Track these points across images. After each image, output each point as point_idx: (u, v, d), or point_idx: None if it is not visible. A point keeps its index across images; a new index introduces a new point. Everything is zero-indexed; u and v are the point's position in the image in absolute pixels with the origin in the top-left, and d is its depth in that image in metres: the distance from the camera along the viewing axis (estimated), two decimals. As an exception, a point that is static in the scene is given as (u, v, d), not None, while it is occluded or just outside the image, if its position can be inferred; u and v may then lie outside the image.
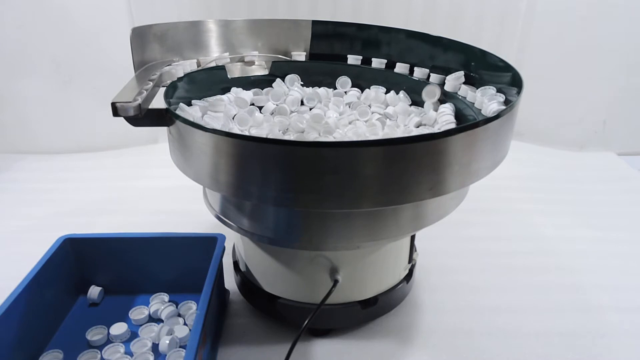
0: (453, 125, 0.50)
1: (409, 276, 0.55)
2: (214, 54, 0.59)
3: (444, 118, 0.51)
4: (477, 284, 0.63)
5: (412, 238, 0.53)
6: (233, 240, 0.57)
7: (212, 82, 0.56)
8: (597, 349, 0.53)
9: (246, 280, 0.54)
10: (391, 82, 0.58)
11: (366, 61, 0.60)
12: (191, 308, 0.55)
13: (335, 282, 0.47)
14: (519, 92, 0.41)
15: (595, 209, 0.82)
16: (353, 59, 0.61)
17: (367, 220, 0.41)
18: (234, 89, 0.57)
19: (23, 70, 0.96)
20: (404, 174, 0.34)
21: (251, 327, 0.55)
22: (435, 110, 0.52)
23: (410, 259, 0.54)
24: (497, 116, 0.36)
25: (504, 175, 0.62)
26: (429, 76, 0.56)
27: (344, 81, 0.60)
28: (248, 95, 0.57)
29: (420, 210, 0.43)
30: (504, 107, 0.44)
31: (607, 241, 0.73)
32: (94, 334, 0.51)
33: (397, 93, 0.57)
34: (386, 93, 0.58)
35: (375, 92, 0.58)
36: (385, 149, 0.33)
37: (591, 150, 1.07)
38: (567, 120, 1.07)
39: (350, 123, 0.54)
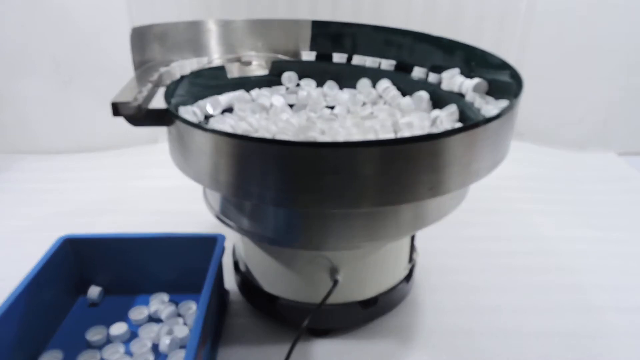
0: (400, 98, 0.55)
1: (409, 276, 0.55)
2: (214, 54, 0.59)
3: (391, 93, 0.55)
4: (477, 284, 0.63)
5: (412, 238, 0.53)
6: (233, 240, 0.57)
7: (212, 82, 0.56)
8: (597, 349, 0.53)
9: (246, 280, 0.54)
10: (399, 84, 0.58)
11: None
12: (191, 308, 0.55)
13: (335, 282, 0.47)
14: (519, 92, 0.41)
15: (595, 209, 0.82)
16: (339, 58, 0.61)
17: (367, 220, 0.41)
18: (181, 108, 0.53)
19: (23, 70, 0.96)
20: (403, 174, 0.34)
21: (251, 327, 0.55)
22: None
23: (410, 259, 0.54)
24: (497, 116, 0.36)
25: (504, 175, 0.62)
26: (427, 75, 0.56)
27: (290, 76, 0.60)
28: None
29: (420, 210, 0.43)
30: (479, 80, 0.48)
31: (607, 241, 0.73)
32: (94, 334, 0.51)
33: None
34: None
35: (309, 89, 0.58)
36: (385, 149, 0.33)
37: (591, 150, 1.07)
38: (567, 120, 1.06)
39: (307, 120, 0.54)
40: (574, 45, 0.99)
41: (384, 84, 0.57)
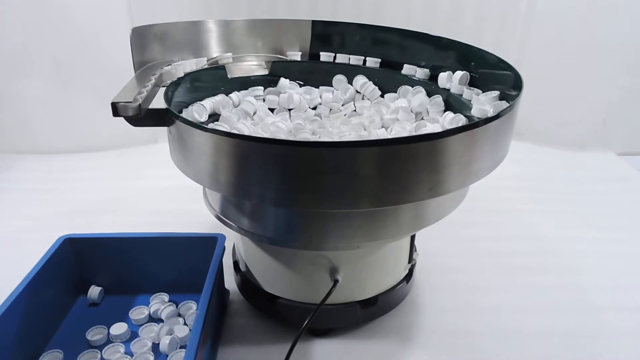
0: (378, 93, 0.57)
1: (409, 276, 0.55)
2: (214, 54, 0.59)
3: (369, 89, 0.57)
4: (477, 284, 0.63)
5: (412, 238, 0.53)
6: (233, 240, 0.57)
7: (212, 82, 0.56)
8: (597, 349, 0.53)
9: (246, 280, 0.54)
10: (390, 81, 0.58)
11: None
12: (191, 308, 0.55)
13: (335, 282, 0.47)
14: (519, 92, 0.41)
15: (595, 209, 0.82)
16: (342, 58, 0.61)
17: (367, 220, 0.41)
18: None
19: (23, 70, 0.96)
20: (403, 174, 0.34)
21: (251, 327, 0.55)
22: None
23: (410, 259, 0.54)
24: (497, 116, 0.36)
25: (504, 175, 0.63)
26: (431, 76, 0.56)
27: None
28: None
29: (420, 210, 0.43)
30: (463, 73, 0.51)
31: (607, 241, 0.73)
32: (94, 334, 0.51)
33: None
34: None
35: (291, 92, 0.58)
36: (385, 149, 0.33)
37: (591, 150, 1.07)
38: (567, 120, 1.06)
39: (293, 122, 0.53)
40: (574, 45, 0.99)
41: (361, 79, 0.58)
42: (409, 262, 0.54)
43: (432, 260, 0.66)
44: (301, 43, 0.62)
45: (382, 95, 0.58)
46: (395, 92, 0.57)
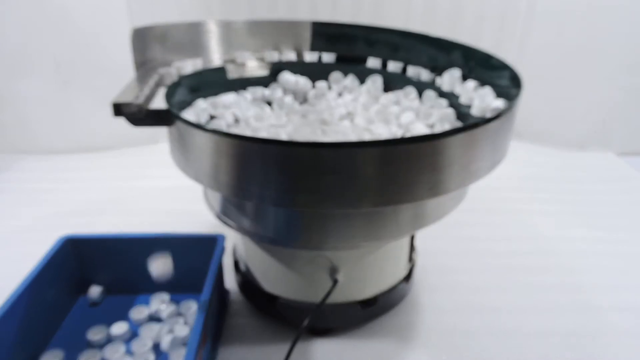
0: (310, 84, 0.59)
1: (408, 276, 0.55)
2: (215, 54, 0.60)
3: (301, 82, 0.59)
4: (477, 284, 0.63)
5: (412, 238, 0.53)
6: (233, 240, 0.57)
7: (212, 82, 0.56)
8: (597, 349, 0.53)
9: (246, 280, 0.54)
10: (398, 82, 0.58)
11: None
12: (191, 308, 0.55)
13: (335, 281, 0.47)
14: (518, 92, 0.41)
15: (595, 209, 0.82)
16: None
17: (367, 220, 0.41)
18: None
19: (23, 70, 0.96)
20: (403, 174, 0.34)
21: (251, 327, 0.55)
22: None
23: (410, 259, 0.54)
24: (497, 116, 0.36)
25: (504, 175, 0.63)
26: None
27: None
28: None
29: (420, 210, 0.43)
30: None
31: (607, 241, 0.73)
32: (95, 334, 0.51)
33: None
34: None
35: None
36: (385, 149, 0.33)
37: (591, 150, 1.07)
38: (567, 120, 1.07)
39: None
40: (574, 45, 0.99)
41: (287, 75, 0.59)
42: (409, 262, 0.54)
43: (432, 260, 0.66)
44: (302, 43, 0.62)
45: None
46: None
